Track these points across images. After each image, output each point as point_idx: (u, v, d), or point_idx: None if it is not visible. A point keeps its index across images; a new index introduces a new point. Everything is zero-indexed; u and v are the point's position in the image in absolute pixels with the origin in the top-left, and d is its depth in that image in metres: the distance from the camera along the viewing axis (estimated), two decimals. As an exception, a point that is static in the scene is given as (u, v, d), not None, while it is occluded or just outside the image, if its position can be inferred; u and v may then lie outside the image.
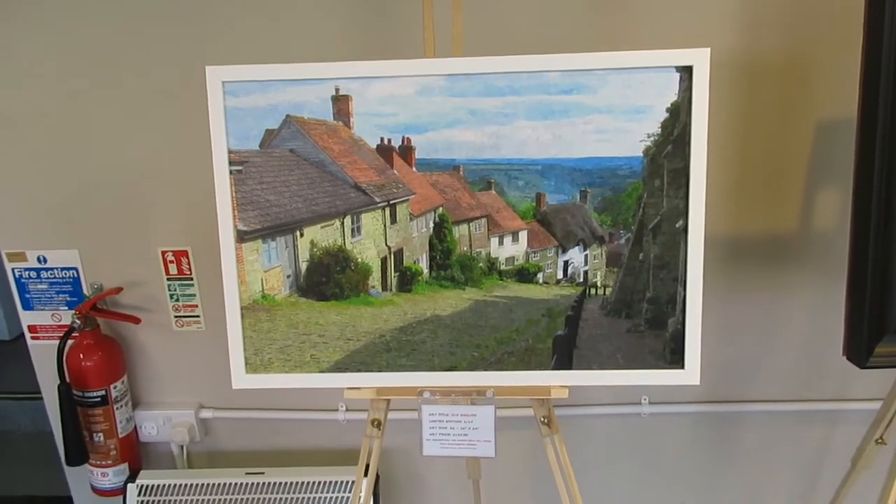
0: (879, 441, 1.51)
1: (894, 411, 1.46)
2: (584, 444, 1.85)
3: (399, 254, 1.11)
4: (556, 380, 1.12)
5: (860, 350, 1.09)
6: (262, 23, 1.47)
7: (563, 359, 1.12)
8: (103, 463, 1.77)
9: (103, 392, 1.72)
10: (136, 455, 1.84)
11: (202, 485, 1.72)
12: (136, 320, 1.73)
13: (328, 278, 1.11)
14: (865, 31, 1.03)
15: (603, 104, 1.05)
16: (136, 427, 1.83)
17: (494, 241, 1.10)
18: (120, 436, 1.77)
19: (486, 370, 1.13)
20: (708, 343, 1.76)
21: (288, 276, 1.12)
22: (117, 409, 1.75)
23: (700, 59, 1.03)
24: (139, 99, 1.57)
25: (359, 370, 1.14)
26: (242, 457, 1.93)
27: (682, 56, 1.03)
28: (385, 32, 1.40)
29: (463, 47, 1.11)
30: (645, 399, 1.81)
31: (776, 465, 1.86)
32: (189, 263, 1.71)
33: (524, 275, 1.11)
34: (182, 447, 1.87)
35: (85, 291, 1.74)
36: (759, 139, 1.58)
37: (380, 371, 1.14)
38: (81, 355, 1.68)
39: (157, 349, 1.81)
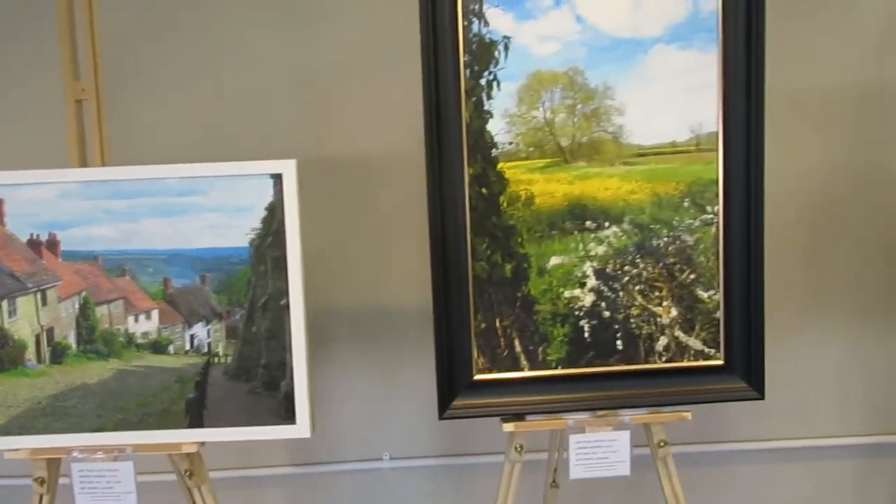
0: (553, 485, 1.72)
1: (556, 458, 1.68)
2: (335, 500, 2.01)
3: (51, 331, 1.30)
4: (189, 437, 1.31)
5: (441, 403, 1.31)
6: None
7: (195, 418, 1.31)
8: None
9: None
10: None
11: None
12: None
13: (-11, 353, 1.30)
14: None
15: (214, 204, 1.28)
16: None
17: (131, 318, 1.31)
18: None
19: (129, 430, 1.31)
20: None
21: (-45, 352, 1.30)
22: None
23: (287, 168, 1.27)
24: None
25: (20, 433, 1.31)
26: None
27: (273, 166, 1.27)
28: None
29: (114, 154, 1.33)
30: (386, 455, 1.99)
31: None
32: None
33: (158, 347, 1.31)
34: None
35: None
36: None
37: (38, 434, 1.31)
38: None
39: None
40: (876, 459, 2.04)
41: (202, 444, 1.33)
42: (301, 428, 1.32)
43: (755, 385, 1.34)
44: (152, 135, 1.71)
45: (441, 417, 1.32)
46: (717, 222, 1.31)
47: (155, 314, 1.31)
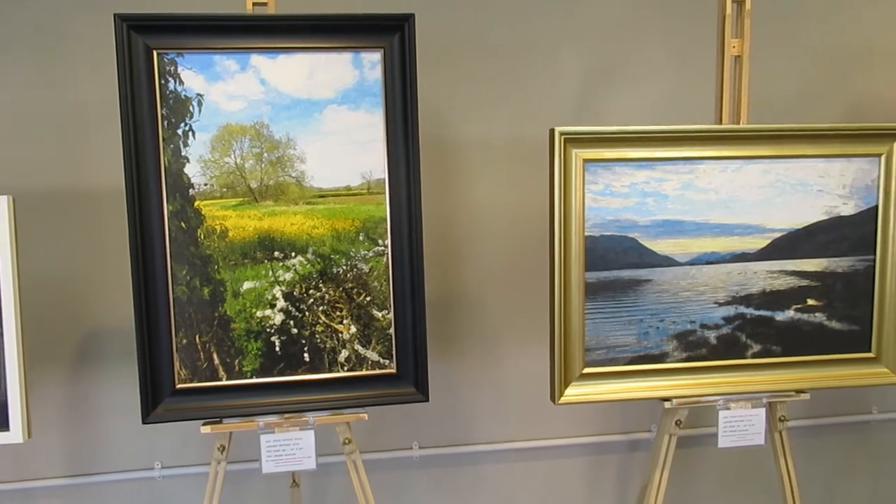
0: (294, 485, 1.93)
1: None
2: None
3: None
4: None
5: (144, 409, 1.49)
6: None
7: (-88, 428, 1.45)
8: None
9: None
10: None
11: None
12: None
13: None
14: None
15: (-69, 235, 1.43)
16: None
17: None
18: None
19: None
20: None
21: None
22: None
23: (0, 203, 1.44)
24: None
25: None
26: None
27: (-12, 202, 1.44)
28: None
29: None
30: (158, 464, 2.14)
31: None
32: None
33: None
34: None
35: None
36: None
37: None
38: None
39: None
40: (601, 456, 2.37)
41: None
42: (14, 434, 1.47)
43: (421, 390, 1.60)
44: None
45: (145, 421, 1.51)
46: (387, 253, 1.57)
47: None
